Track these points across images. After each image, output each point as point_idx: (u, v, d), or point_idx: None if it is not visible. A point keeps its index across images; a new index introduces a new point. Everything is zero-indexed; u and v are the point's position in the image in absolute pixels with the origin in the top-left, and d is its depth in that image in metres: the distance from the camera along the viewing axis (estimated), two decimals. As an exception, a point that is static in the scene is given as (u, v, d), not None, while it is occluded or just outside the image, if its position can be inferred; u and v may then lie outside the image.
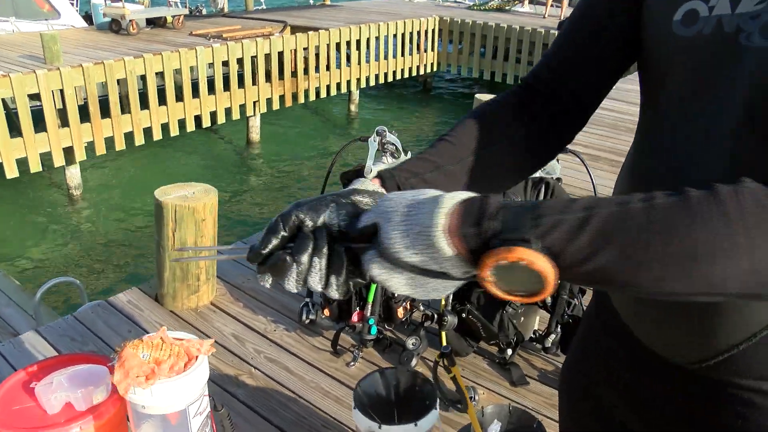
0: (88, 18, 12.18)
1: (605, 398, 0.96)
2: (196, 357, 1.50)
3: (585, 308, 2.52)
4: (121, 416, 1.70)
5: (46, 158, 7.49)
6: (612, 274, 0.57)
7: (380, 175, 0.80)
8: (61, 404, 1.64)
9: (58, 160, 7.64)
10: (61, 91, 7.43)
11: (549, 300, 2.51)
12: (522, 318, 2.58)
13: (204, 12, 14.01)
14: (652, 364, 0.86)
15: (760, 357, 0.73)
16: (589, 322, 1.05)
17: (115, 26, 10.32)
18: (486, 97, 5.08)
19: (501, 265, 0.58)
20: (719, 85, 0.71)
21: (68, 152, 7.72)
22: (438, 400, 1.61)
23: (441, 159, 0.85)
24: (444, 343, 2.61)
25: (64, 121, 7.57)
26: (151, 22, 10.99)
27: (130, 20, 10.17)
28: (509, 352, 2.58)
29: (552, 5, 13.56)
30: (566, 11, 13.14)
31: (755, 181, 0.57)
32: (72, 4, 12.40)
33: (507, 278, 0.59)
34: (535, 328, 2.68)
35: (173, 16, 11.10)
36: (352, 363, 2.58)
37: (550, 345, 2.56)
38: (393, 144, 2.59)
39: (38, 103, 7.28)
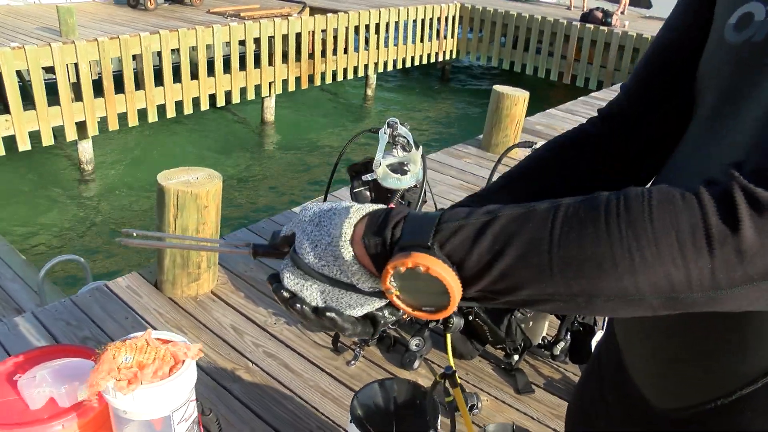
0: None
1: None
2: (183, 361, 1.43)
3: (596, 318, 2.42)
4: (107, 414, 1.62)
5: (58, 132, 7.44)
6: (518, 279, 0.52)
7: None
8: (45, 399, 1.57)
9: (71, 134, 7.60)
10: (76, 65, 7.37)
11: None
12: (531, 323, 2.49)
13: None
14: (636, 401, 0.78)
15: (746, 420, 0.65)
16: (599, 349, 0.97)
17: (133, 1, 10.23)
18: (504, 89, 4.96)
19: (400, 273, 0.55)
20: (750, 102, 0.61)
21: (81, 127, 7.67)
22: (439, 419, 1.53)
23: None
24: (448, 345, 2.52)
25: (78, 96, 7.51)
26: (169, -2, 10.89)
27: (148, -5, 10.08)
28: (515, 357, 2.50)
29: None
30: (589, 3, 12.90)
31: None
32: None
33: (410, 290, 0.57)
34: (544, 334, 2.59)
35: (192, -7, 10.98)
36: (353, 362, 2.50)
37: (558, 353, 2.48)
38: (404, 137, 2.49)
39: (52, 77, 7.22)
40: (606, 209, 0.50)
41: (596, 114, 0.87)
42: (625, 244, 0.48)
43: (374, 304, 0.62)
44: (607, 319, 0.96)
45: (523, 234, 0.52)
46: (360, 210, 0.60)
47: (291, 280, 0.63)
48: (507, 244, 0.52)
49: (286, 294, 0.63)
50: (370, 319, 0.64)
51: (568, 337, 2.46)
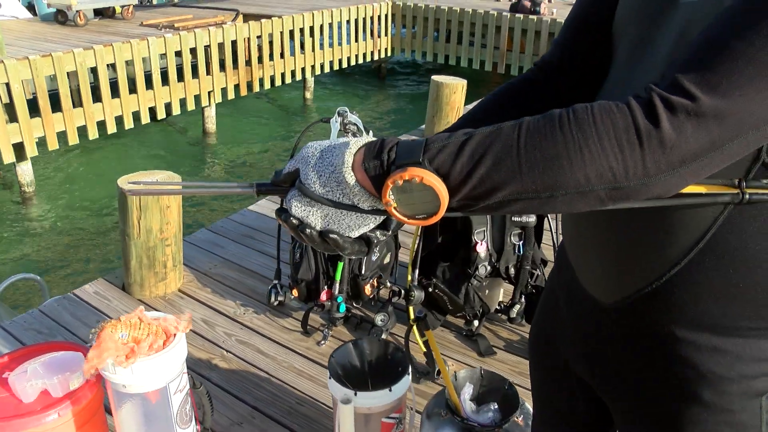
0: (31, 9, 11.81)
1: (562, 350, 1.03)
2: (174, 335, 1.53)
3: (547, 277, 2.61)
4: (99, 401, 1.71)
5: (-6, 155, 7.28)
6: (493, 182, 0.65)
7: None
8: (37, 392, 1.64)
9: (8, 157, 7.43)
10: (7, 84, 7.21)
11: (513, 271, 2.59)
12: (487, 290, 2.65)
13: (154, 2, 13.72)
14: (589, 306, 0.92)
15: (677, 299, 0.79)
16: (550, 282, 1.12)
17: (62, 17, 10.03)
18: (442, 78, 5.14)
19: (398, 186, 0.67)
20: (656, 42, 0.78)
21: (18, 148, 7.51)
22: (410, 366, 1.67)
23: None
24: (412, 317, 2.67)
25: (12, 117, 7.36)
26: (99, 13, 10.70)
27: (77, 11, 9.90)
28: (475, 323, 2.66)
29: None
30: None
31: None
32: (14, -5, 12.01)
33: (406, 201, 0.68)
34: (500, 299, 2.76)
35: (122, 7, 10.83)
36: (323, 342, 2.62)
37: (515, 315, 2.64)
38: (355, 124, 2.63)
39: (-18, 98, 7.07)
40: (559, 118, 0.64)
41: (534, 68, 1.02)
42: (576, 144, 0.63)
43: (371, 224, 0.74)
44: (555, 257, 1.11)
45: (495, 145, 0.65)
46: (358, 141, 0.72)
47: (298, 208, 0.73)
48: (483, 155, 0.65)
49: (295, 221, 0.74)
50: (365, 240, 0.76)
51: (523, 299, 2.64)
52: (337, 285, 2.60)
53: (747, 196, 0.70)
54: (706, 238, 0.74)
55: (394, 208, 0.69)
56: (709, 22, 0.64)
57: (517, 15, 11.35)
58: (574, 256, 0.96)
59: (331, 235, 0.74)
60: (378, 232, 0.76)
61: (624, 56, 0.86)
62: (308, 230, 0.74)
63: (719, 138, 0.61)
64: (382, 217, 0.74)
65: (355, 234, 0.75)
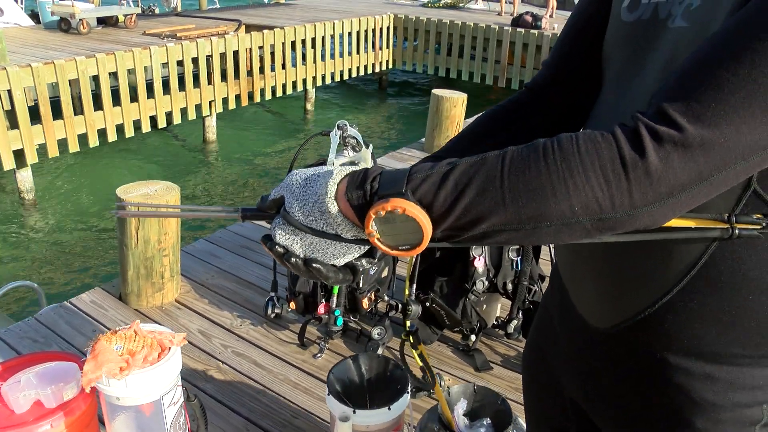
0: (34, 16, 11.87)
1: (556, 368, 1.02)
2: (169, 348, 1.52)
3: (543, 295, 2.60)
4: (92, 412, 1.70)
5: (-6, 162, 7.29)
6: (477, 213, 0.65)
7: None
8: (30, 402, 1.63)
9: (8, 164, 7.45)
10: (9, 91, 7.24)
11: (510, 287, 2.58)
12: (484, 305, 2.65)
13: (157, 11, 13.78)
14: (581, 328, 0.92)
15: (669, 326, 0.78)
16: (545, 299, 1.12)
17: (65, 25, 10.08)
18: (442, 92, 5.16)
19: (381, 217, 0.66)
20: (645, 66, 0.78)
21: (18, 155, 7.52)
22: (409, 384, 1.66)
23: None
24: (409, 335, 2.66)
25: (13, 123, 7.38)
26: (102, 21, 10.77)
27: (81, 19, 9.95)
28: (472, 338, 2.65)
29: (506, 1, 13.75)
30: (518, 8, 13.35)
31: None
32: (16, 1, 12.06)
33: (389, 231, 0.67)
34: (497, 314, 2.75)
35: (125, 15, 10.89)
36: (319, 354, 2.61)
37: (512, 331, 2.64)
38: (354, 137, 2.63)
39: (-16, 105, 7.09)
40: (543, 149, 0.64)
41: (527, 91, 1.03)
42: (561, 175, 0.62)
43: (355, 253, 0.74)
44: (549, 276, 1.11)
45: (479, 176, 0.65)
46: (341, 171, 0.72)
47: (282, 236, 0.73)
48: (467, 186, 0.65)
49: (280, 249, 0.74)
50: (350, 268, 0.76)
51: (520, 315, 2.63)
52: (335, 298, 2.59)
53: (737, 232, 0.69)
54: (698, 266, 0.74)
55: (377, 238, 0.68)
56: (696, 49, 0.64)
57: (519, 29, 11.41)
58: (567, 279, 0.96)
59: (315, 265, 0.73)
60: (364, 260, 0.76)
61: (613, 79, 0.86)
62: (293, 259, 0.73)
63: (706, 169, 0.60)
64: (367, 247, 0.73)
65: (340, 262, 0.74)
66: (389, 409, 1.61)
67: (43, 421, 1.59)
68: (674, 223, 0.68)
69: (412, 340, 1.40)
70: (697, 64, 0.62)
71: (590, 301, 0.90)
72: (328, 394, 1.65)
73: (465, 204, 0.65)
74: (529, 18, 11.55)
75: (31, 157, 7.66)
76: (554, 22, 11.84)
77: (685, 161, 0.60)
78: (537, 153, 0.64)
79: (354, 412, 1.60)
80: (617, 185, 0.61)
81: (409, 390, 1.66)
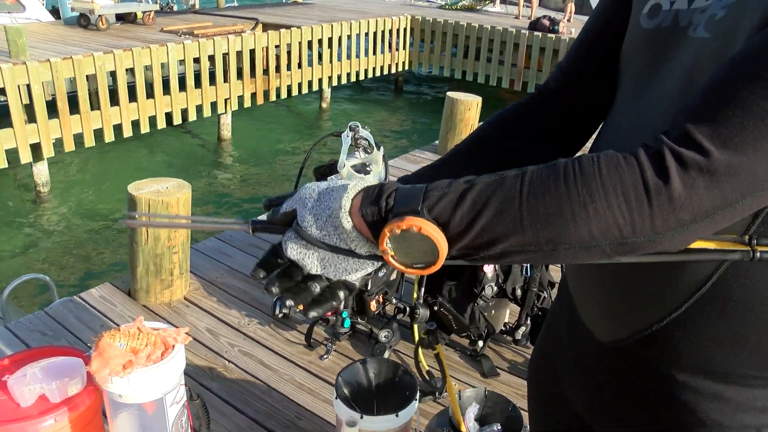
0: (54, 12, 11.99)
1: (563, 382, 1.01)
2: (173, 346, 1.52)
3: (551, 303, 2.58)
4: (97, 408, 1.70)
5: (12, 154, 7.35)
6: (494, 234, 0.63)
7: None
8: (35, 396, 1.64)
9: (25, 157, 7.52)
10: (28, 86, 7.31)
11: (519, 293, 2.56)
12: (493, 311, 2.63)
13: (175, 8, 13.89)
14: (588, 340, 0.91)
15: (678, 343, 0.76)
16: (553, 310, 1.10)
17: (84, 21, 10.17)
18: (457, 95, 5.14)
19: (396, 235, 0.65)
20: (664, 74, 0.76)
21: (35, 148, 7.59)
22: (418, 391, 1.65)
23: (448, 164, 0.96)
24: (416, 336, 2.65)
25: (31, 117, 7.45)
26: (121, 18, 10.85)
27: (99, 15, 10.03)
28: (480, 344, 2.63)
29: (524, 5, 13.70)
30: (536, 11, 13.29)
31: None
32: (38, -2, 12.18)
33: (403, 250, 0.66)
34: (506, 320, 2.73)
35: (143, 12, 10.97)
36: (326, 356, 2.61)
37: (520, 337, 2.62)
38: (366, 139, 2.62)
39: (3, 99, 7.15)
40: (564, 171, 0.62)
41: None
42: (581, 199, 0.60)
43: (368, 269, 0.72)
44: (558, 285, 1.10)
45: (497, 196, 0.63)
46: (356, 186, 0.70)
47: (294, 250, 0.72)
48: (484, 206, 0.63)
49: (275, 290, 0.73)
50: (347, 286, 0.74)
51: (529, 321, 2.61)
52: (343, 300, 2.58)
53: (758, 255, 0.67)
54: (709, 284, 0.72)
55: (392, 256, 0.67)
56: (722, 65, 0.62)
57: (536, 33, 11.36)
58: (575, 291, 0.95)
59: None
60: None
61: (630, 88, 0.84)
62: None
63: (732, 195, 0.59)
64: (380, 263, 0.72)
65: (353, 278, 0.73)
66: (397, 416, 1.60)
67: (47, 416, 1.59)
68: (694, 244, 0.66)
69: (430, 339, 1.39)
70: (723, 84, 0.60)
71: (596, 314, 0.88)
72: (336, 398, 1.64)
73: (482, 224, 0.63)
74: (546, 22, 11.50)
75: (48, 151, 7.73)
76: (571, 26, 11.79)
77: (710, 188, 0.58)
78: (557, 175, 0.62)
79: (361, 417, 1.59)
80: (639, 211, 0.59)
81: (417, 397, 1.65)
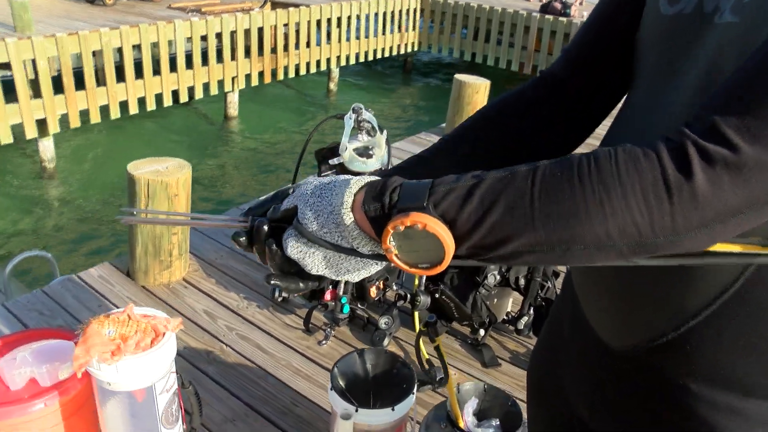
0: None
1: (565, 379, 0.97)
2: (164, 334, 1.48)
3: (558, 291, 2.54)
4: (88, 393, 1.67)
5: (17, 130, 7.32)
6: (504, 232, 0.59)
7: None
8: (25, 380, 1.61)
9: (30, 132, 7.48)
10: (33, 61, 7.25)
11: (523, 282, 2.52)
12: (495, 299, 2.59)
13: (183, -16, 13.73)
14: (594, 344, 0.86)
15: (694, 352, 0.72)
16: (557, 303, 1.05)
17: (91, -4, 10.08)
18: (465, 77, 5.06)
19: (399, 232, 0.61)
20: (685, 63, 0.71)
21: (41, 124, 7.55)
22: (415, 385, 1.61)
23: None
24: (416, 323, 2.61)
25: (37, 93, 7.40)
26: (128, -7, 10.75)
27: (107, -9, 9.95)
28: (481, 333, 2.60)
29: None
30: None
31: None
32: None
33: (408, 248, 0.62)
34: (508, 309, 2.69)
35: (151, -12, 10.86)
36: (324, 341, 2.57)
37: (522, 327, 2.58)
38: (369, 122, 2.57)
39: (8, 73, 7.10)
40: (578, 166, 0.57)
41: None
42: (597, 197, 0.56)
43: (371, 268, 0.69)
44: (563, 279, 1.05)
45: (507, 192, 0.59)
46: (359, 181, 0.67)
47: (294, 248, 0.68)
48: (494, 203, 0.59)
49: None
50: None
51: (532, 311, 2.57)
52: (342, 285, 2.55)
53: None
54: (733, 290, 0.67)
55: (395, 255, 0.63)
56: (753, 53, 0.56)
57: (547, 16, 11.21)
58: (581, 291, 0.89)
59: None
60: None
61: (647, 77, 0.78)
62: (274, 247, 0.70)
63: (761, 194, 0.54)
64: (384, 263, 0.68)
65: (355, 278, 0.70)
66: (393, 409, 1.56)
67: (37, 400, 1.56)
68: (717, 247, 0.61)
69: (430, 332, 1.35)
70: (754, 74, 0.55)
71: (605, 317, 0.83)
72: (331, 389, 1.60)
73: (491, 222, 0.59)
74: (558, 5, 11.34)
75: (54, 127, 7.69)
76: (583, 9, 11.61)
77: (737, 185, 0.53)
78: (571, 171, 0.57)
79: (357, 410, 1.55)
80: (659, 208, 0.54)
81: (414, 390, 1.61)
